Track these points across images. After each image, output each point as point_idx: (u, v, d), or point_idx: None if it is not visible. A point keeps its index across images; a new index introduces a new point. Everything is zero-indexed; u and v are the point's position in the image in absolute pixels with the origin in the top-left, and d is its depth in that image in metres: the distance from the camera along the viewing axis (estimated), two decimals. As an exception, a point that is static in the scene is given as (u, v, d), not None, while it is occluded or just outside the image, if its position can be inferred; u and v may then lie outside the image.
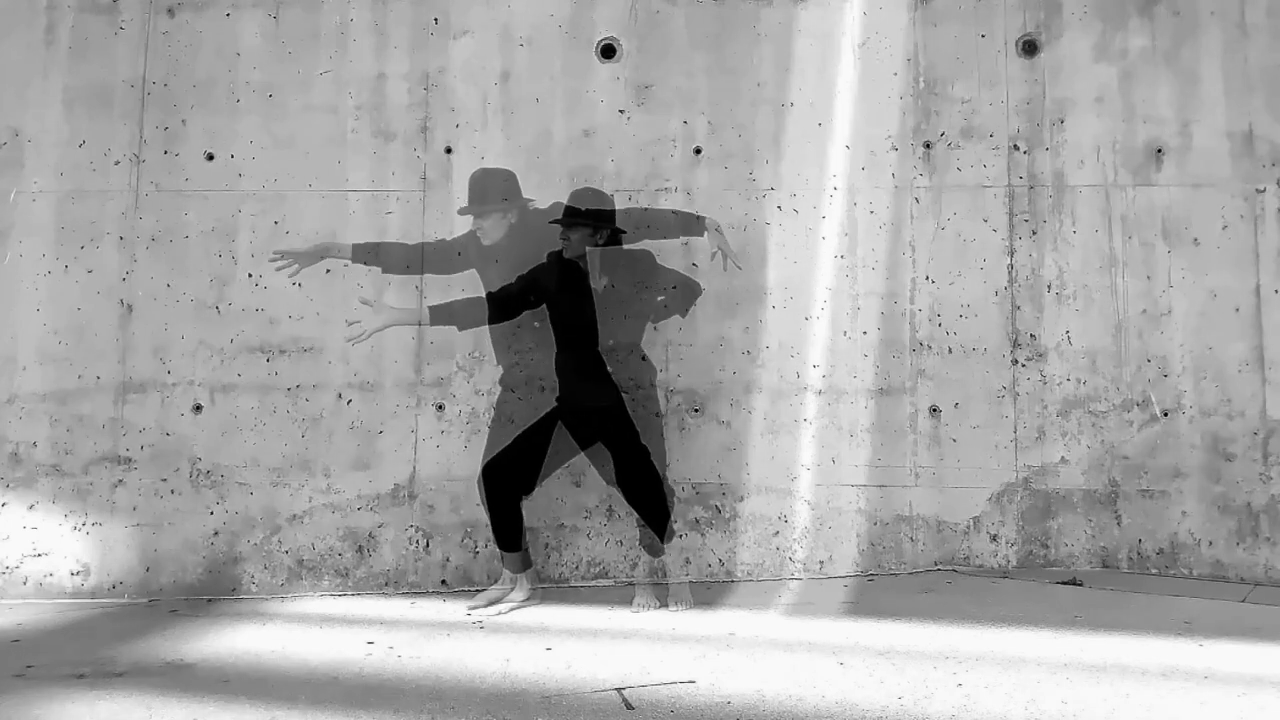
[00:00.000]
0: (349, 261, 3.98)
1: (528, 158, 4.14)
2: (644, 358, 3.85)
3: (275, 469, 4.03)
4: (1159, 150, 4.11)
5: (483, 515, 4.00)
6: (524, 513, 3.69)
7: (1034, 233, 4.12)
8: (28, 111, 4.18)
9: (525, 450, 3.65)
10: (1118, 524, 3.99)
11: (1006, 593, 3.67)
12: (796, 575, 4.00)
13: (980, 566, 4.00)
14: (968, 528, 4.02)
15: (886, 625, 3.26)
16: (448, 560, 4.00)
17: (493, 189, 3.85)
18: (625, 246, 3.78)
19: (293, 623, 3.51)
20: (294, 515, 4.01)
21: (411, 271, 4.02)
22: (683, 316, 4.01)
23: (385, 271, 4.02)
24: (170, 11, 4.23)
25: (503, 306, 3.67)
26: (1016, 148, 4.16)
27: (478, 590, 3.89)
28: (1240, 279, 4.03)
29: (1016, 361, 4.08)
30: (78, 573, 3.97)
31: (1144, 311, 4.06)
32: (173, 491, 4.01)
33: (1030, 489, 4.02)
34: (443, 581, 3.99)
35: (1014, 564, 4.00)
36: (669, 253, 4.01)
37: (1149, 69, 4.15)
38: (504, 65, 4.21)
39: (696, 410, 4.06)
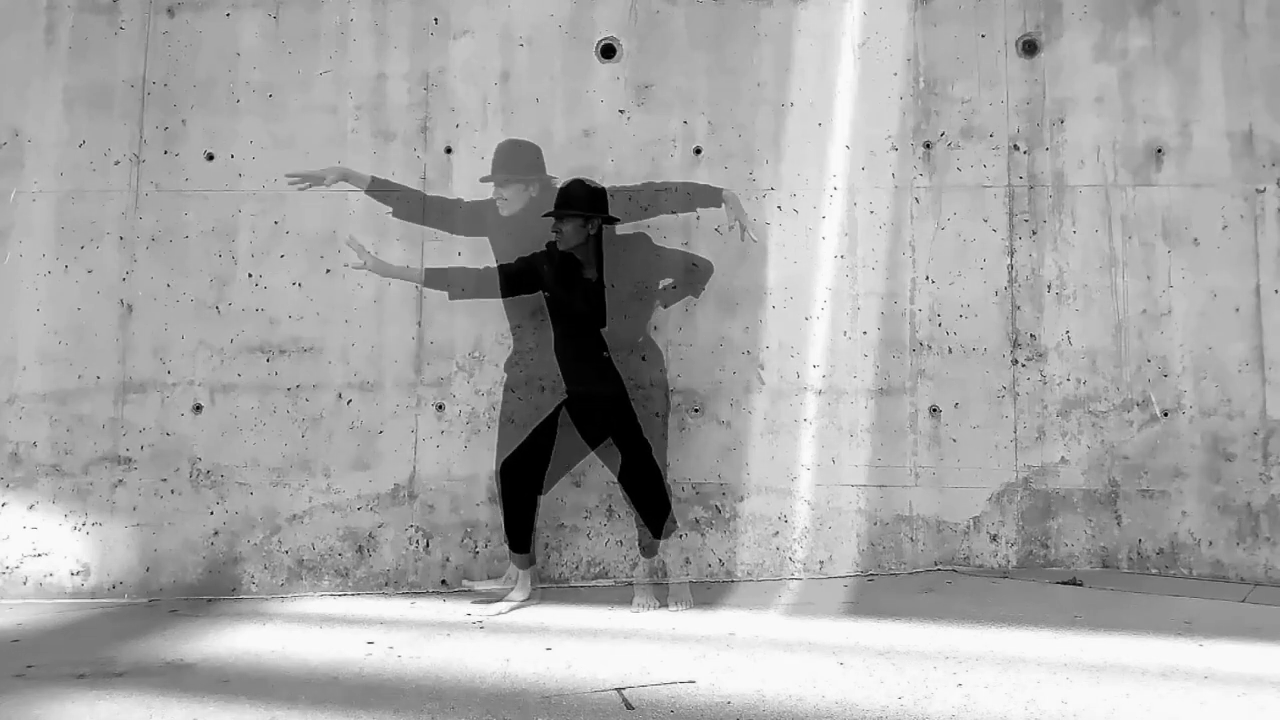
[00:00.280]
0: (364, 190, 4.03)
1: (528, 158, 4.14)
2: (644, 357, 3.86)
3: (275, 469, 4.03)
4: (1159, 150, 4.11)
5: (482, 515, 4.01)
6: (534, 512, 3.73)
7: (1034, 233, 4.12)
8: (28, 111, 4.18)
9: (539, 446, 3.70)
10: (1118, 524, 3.99)
11: (1006, 593, 3.67)
12: (796, 575, 4.00)
13: (980, 566, 4.00)
14: (968, 528, 4.02)
15: (886, 625, 3.26)
16: (448, 560, 4.00)
17: (520, 160, 3.95)
18: (621, 233, 3.80)
19: (293, 623, 3.51)
20: (294, 515, 4.01)
21: (416, 220, 4.07)
22: (695, 297, 4.02)
23: (394, 215, 4.06)
24: (170, 11, 4.23)
25: (508, 282, 3.81)
26: (1016, 148, 4.16)
27: (478, 590, 3.89)
28: (1240, 279, 4.03)
29: (1016, 361, 4.08)
30: (78, 573, 3.97)
31: (1144, 311, 4.06)
32: (173, 491, 4.01)
33: (1030, 489, 4.02)
34: (443, 581, 3.99)
35: (1014, 564, 4.00)
36: (672, 236, 4.02)
37: (1149, 69, 4.15)
38: (504, 65, 4.21)
39: (696, 410, 4.06)
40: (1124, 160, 4.12)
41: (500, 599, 3.69)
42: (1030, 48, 4.20)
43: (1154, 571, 3.95)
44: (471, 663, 2.94)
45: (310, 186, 3.94)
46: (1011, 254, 4.12)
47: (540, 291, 3.77)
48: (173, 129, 4.18)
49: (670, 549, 3.81)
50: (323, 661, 2.99)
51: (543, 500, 3.82)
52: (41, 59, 4.21)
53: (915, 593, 3.69)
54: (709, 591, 3.82)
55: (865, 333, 4.10)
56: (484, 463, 4.02)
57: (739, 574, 4.01)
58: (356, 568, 3.99)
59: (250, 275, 4.11)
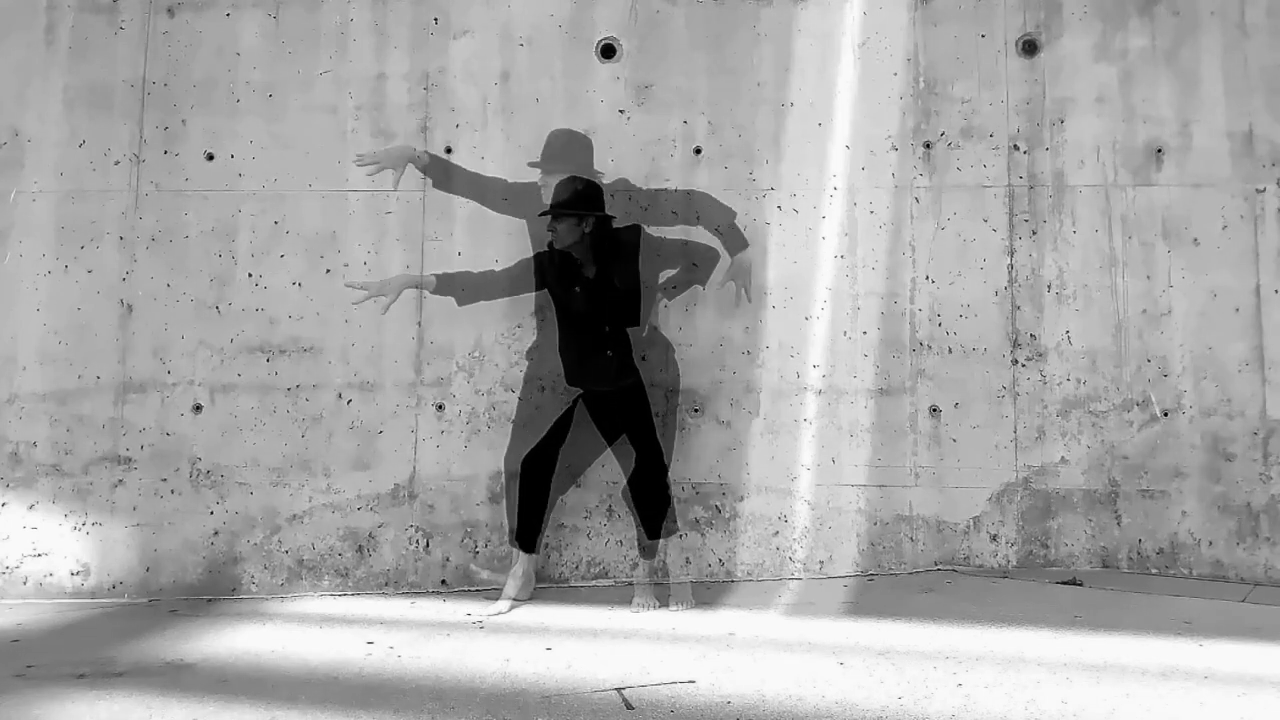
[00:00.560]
0: (424, 175, 4.07)
1: (528, 158, 4.14)
2: (644, 357, 3.86)
3: (275, 469, 4.03)
4: (1159, 150, 4.11)
5: (482, 515, 4.01)
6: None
7: (1034, 233, 4.12)
8: (28, 111, 4.18)
9: (556, 441, 3.73)
10: (1118, 524, 3.99)
11: (1006, 593, 3.67)
12: (796, 575, 4.00)
13: (980, 566, 4.00)
14: (968, 528, 4.02)
15: (886, 625, 3.26)
16: (448, 560, 4.00)
17: (570, 153, 3.99)
18: (616, 227, 3.79)
19: (293, 623, 3.51)
20: (294, 515, 4.01)
21: (461, 192, 4.08)
22: (703, 286, 4.01)
23: (435, 185, 4.09)
24: (170, 11, 4.23)
25: (511, 282, 3.95)
26: (1016, 148, 4.16)
27: (478, 590, 3.89)
28: (1240, 279, 4.03)
29: (1016, 361, 4.08)
30: (78, 573, 3.96)
31: (1144, 311, 4.06)
32: (173, 491, 4.01)
33: (1030, 489, 4.02)
34: (443, 581, 3.99)
35: (1014, 564, 4.00)
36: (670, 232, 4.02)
37: (1149, 69, 4.15)
38: (504, 65, 4.21)
39: (696, 410, 4.06)
40: (1124, 160, 4.12)
41: (501, 595, 3.69)
42: (1030, 48, 4.20)
43: (1154, 571, 3.95)
44: (471, 663, 2.94)
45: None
46: (1011, 254, 4.12)
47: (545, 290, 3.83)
48: (173, 129, 4.18)
49: (670, 549, 3.81)
50: (323, 661, 2.99)
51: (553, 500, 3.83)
52: (41, 59, 4.21)
53: (915, 593, 3.69)
54: (709, 591, 3.82)
55: (865, 333, 4.10)
56: (484, 463, 4.02)
57: (739, 574, 4.00)
58: (356, 568, 3.99)
59: (250, 275, 4.11)
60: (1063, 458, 4.02)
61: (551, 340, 4.00)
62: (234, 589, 3.96)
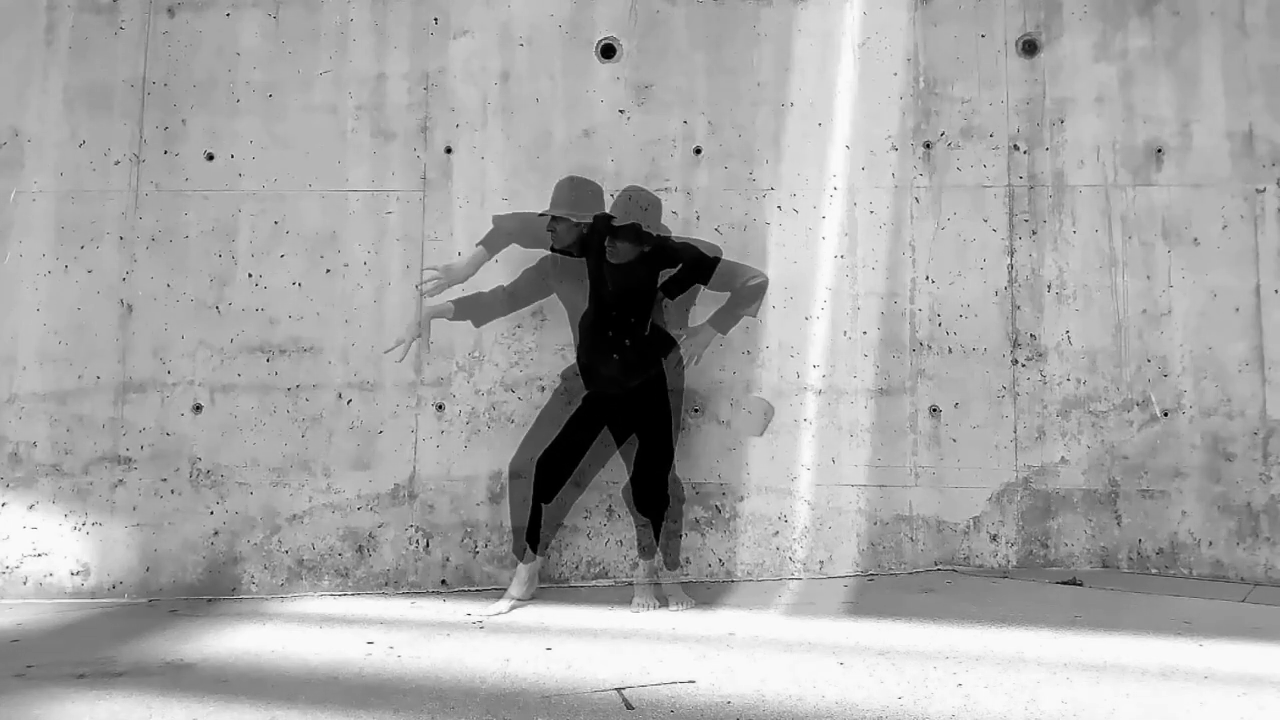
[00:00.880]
0: (450, 318, 3.91)
1: (528, 158, 4.15)
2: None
3: (275, 469, 4.03)
4: (1159, 150, 4.11)
5: (482, 515, 4.01)
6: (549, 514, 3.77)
7: (1034, 233, 4.12)
8: (28, 111, 4.18)
9: (577, 442, 3.71)
10: (1118, 524, 3.99)
11: (1006, 593, 3.67)
12: (796, 575, 4.00)
13: (980, 566, 4.00)
14: (968, 528, 4.02)
15: (886, 625, 3.26)
16: (448, 560, 4.00)
17: (578, 203, 3.78)
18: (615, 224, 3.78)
19: (293, 623, 3.51)
20: (294, 515, 4.01)
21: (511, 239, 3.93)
22: (705, 284, 3.84)
23: (476, 323, 3.97)
24: (170, 11, 4.24)
25: (529, 288, 3.95)
26: (1016, 148, 4.16)
27: (478, 590, 3.90)
28: (1240, 279, 4.03)
29: (1016, 361, 4.08)
30: (78, 573, 3.97)
31: (1144, 311, 4.06)
32: (173, 491, 4.01)
33: (1030, 489, 4.02)
34: (443, 581, 3.99)
35: (1014, 564, 4.00)
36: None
37: (1149, 69, 4.15)
38: (504, 65, 4.21)
39: (696, 410, 4.06)
40: (1124, 160, 4.12)
41: (504, 595, 3.69)
42: (1030, 48, 4.20)
43: (1154, 571, 3.95)
44: (471, 663, 2.94)
45: (410, 344, 3.86)
46: (1011, 254, 4.13)
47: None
48: (173, 129, 4.18)
49: (670, 549, 3.81)
50: (323, 661, 2.99)
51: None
52: (41, 59, 4.21)
53: (915, 593, 3.69)
54: (709, 591, 3.82)
55: (865, 333, 4.10)
56: (484, 463, 4.02)
57: (739, 574, 4.01)
58: (356, 568, 3.99)
59: (250, 275, 4.11)
60: (1063, 458, 4.02)
61: (551, 340, 4.00)
62: (234, 589, 3.96)
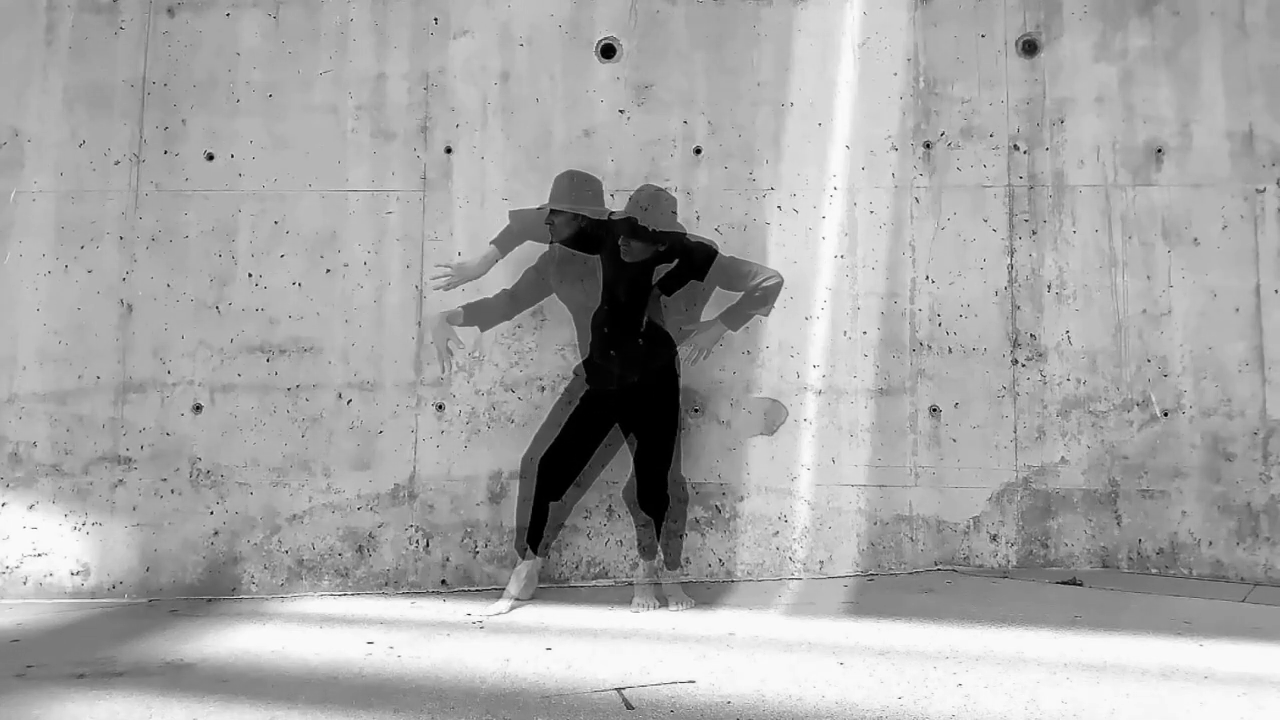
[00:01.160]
0: (459, 325, 3.85)
1: (528, 158, 4.15)
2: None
3: (275, 469, 4.03)
4: (1159, 150, 4.11)
5: (482, 515, 4.01)
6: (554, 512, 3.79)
7: (1034, 233, 4.12)
8: (28, 111, 4.18)
9: (583, 443, 3.72)
10: (1118, 524, 3.99)
11: (1006, 593, 3.67)
12: (796, 575, 4.00)
13: (980, 566, 4.00)
14: (968, 528, 4.02)
15: (886, 625, 3.26)
16: (448, 560, 4.00)
17: (578, 196, 3.79)
18: (609, 219, 3.78)
19: (293, 623, 3.51)
20: (294, 515, 4.01)
21: (523, 237, 3.89)
22: (701, 281, 3.79)
23: (482, 327, 3.95)
24: (170, 11, 4.24)
25: (530, 289, 3.91)
26: (1016, 148, 4.16)
27: (478, 590, 3.90)
28: (1240, 279, 4.03)
29: (1016, 361, 4.08)
30: (78, 573, 3.97)
31: (1144, 311, 4.06)
32: (173, 491, 4.01)
33: (1030, 489, 4.02)
34: (443, 581, 3.99)
35: (1014, 564, 4.00)
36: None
37: (1149, 69, 4.15)
38: (504, 65, 4.22)
39: (696, 410, 4.06)
40: (1124, 160, 4.12)
41: (504, 595, 3.69)
42: (1030, 48, 4.20)
43: (1154, 571, 3.95)
44: (471, 663, 2.94)
45: (443, 351, 3.80)
46: (1011, 254, 4.12)
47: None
48: (173, 129, 4.18)
49: (670, 549, 3.81)
50: (323, 661, 2.99)
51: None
52: (41, 59, 4.21)
53: (915, 593, 3.69)
54: (709, 591, 3.82)
55: (865, 333, 4.10)
56: (484, 463, 4.02)
57: (739, 574, 4.00)
58: (356, 568, 3.99)
59: (250, 275, 4.11)
60: (1063, 458, 4.02)
61: (551, 340, 4.00)
62: (234, 589, 3.96)
